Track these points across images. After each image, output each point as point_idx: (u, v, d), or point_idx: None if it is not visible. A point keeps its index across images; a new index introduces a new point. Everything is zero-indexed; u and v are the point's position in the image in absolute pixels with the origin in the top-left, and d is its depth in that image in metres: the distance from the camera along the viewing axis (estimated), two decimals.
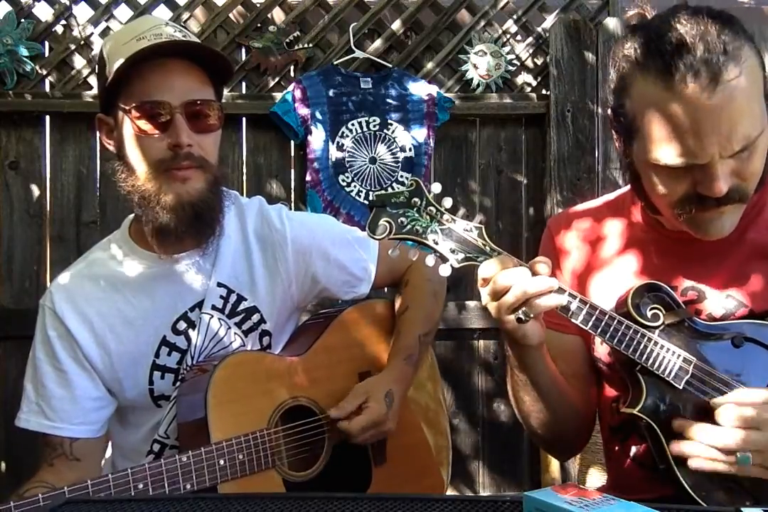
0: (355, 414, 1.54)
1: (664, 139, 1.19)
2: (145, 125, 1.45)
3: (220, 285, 1.59)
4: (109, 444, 1.67)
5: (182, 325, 1.57)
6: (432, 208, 1.16)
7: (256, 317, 1.62)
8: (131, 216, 1.63)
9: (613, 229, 1.45)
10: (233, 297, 1.60)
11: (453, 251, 1.17)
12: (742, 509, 0.96)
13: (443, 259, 1.18)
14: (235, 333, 1.60)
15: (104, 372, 1.55)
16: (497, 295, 1.18)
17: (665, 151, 1.20)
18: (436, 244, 1.17)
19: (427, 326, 1.73)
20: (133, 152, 1.48)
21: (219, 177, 1.53)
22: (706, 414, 1.20)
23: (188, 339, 1.57)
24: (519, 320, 1.17)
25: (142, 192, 1.48)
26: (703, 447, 1.16)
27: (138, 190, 1.48)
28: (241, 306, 1.60)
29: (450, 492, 2.44)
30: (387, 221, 1.15)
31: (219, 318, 1.58)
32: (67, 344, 1.54)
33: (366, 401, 1.56)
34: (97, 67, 1.54)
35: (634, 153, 1.27)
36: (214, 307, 1.58)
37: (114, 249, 1.61)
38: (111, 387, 1.57)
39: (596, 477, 1.74)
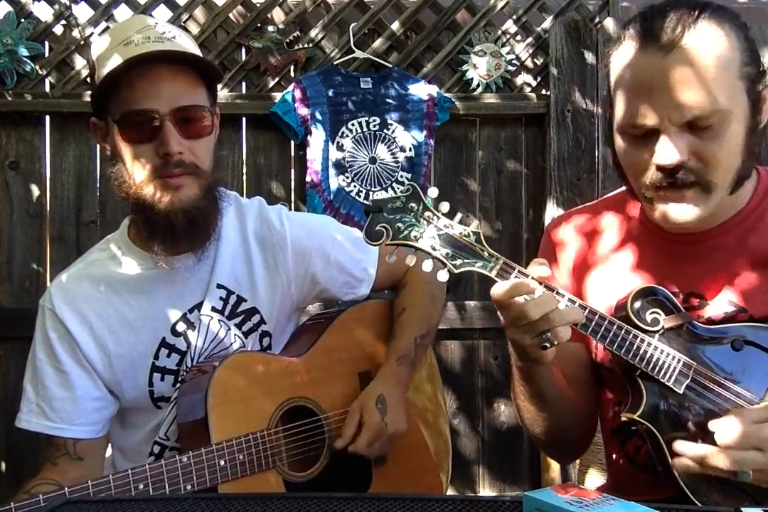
0: (357, 434, 1.54)
1: (625, 100, 1.23)
2: (134, 134, 1.44)
3: (219, 286, 1.59)
4: (109, 445, 1.67)
5: (181, 327, 1.57)
6: (429, 213, 1.15)
7: (256, 318, 1.62)
8: (129, 217, 1.62)
9: (611, 226, 1.45)
10: (233, 299, 1.60)
11: (450, 256, 1.16)
12: (742, 509, 0.96)
13: (441, 265, 1.16)
14: (235, 335, 1.60)
15: (104, 373, 1.55)
16: (520, 322, 1.16)
17: (626, 114, 1.23)
18: (434, 249, 1.15)
19: (424, 328, 1.73)
20: (126, 161, 1.47)
21: (213, 182, 1.52)
22: (706, 418, 1.20)
23: (187, 340, 1.57)
24: (543, 347, 1.17)
25: (136, 199, 1.47)
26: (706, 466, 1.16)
27: (132, 196, 1.48)
28: (241, 308, 1.61)
29: (450, 492, 2.44)
30: (384, 227, 1.13)
31: (219, 320, 1.58)
32: (68, 345, 1.54)
33: (361, 417, 1.56)
34: (89, 70, 1.54)
35: (613, 129, 1.29)
36: (213, 309, 1.58)
37: (113, 250, 1.61)
38: (111, 389, 1.57)
39: (596, 477, 1.74)
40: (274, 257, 1.63)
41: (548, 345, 1.17)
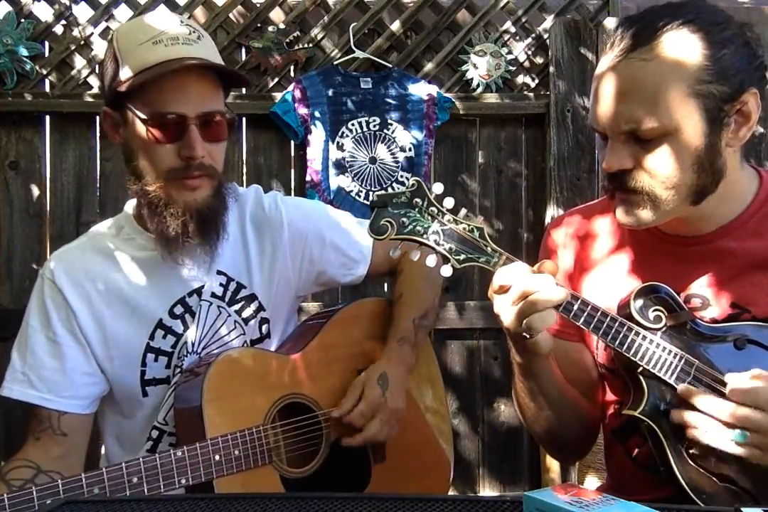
0: (354, 406, 1.55)
1: (590, 101, 1.28)
2: (159, 134, 1.45)
3: (219, 273, 1.60)
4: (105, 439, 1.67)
5: (179, 309, 1.58)
6: (433, 208, 1.16)
7: (254, 304, 1.63)
8: (134, 200, 1.62)
9: (611, 227, 1.45)
10: (233, 285, 1.61)
11: (454, 251, 1.17)
12: (742, 509, 0.96)
13: (444, 260, 1.18)
14: (235, 321, 1.61)
15: (97, 347, 1.55)
16: (517, 301, 1.17)
17: (589, 114, 1.29)
18: (438, 244, 1.17)
19: (422, 309, 1.73)
20: (144, 158, 1.49)
21: (223, 180, 1.55)
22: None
23: (185, 324, 1.57)
24: (531, 335, 1.18)
25: (150, 197, 1.49)
26: (704, 418, 1.16)
27: (146, 194, 1.49)
28: (241, 294, 1.62)
29: (450, 492, 2.44)
30: (388, 221, 1.15)
31: (218, 306, 1.59)
32: (64, 315, 1.54)
33: (362, 392, 1.57)
34: (106, 59, 1.52)
35: None
36: (213, 295, 1.59)
37: (117, 227, 1.63)
38: (102, 366, 1.56)
39: (596, 478, 1.74)
40: (271, 241, 1.65)
41: (528, 336, 1.18)
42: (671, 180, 1.22)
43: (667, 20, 1.20)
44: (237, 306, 1.61)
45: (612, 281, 1.40)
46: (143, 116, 1.46)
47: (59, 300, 1.54)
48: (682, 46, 1.19)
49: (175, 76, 1.44)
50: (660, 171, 1.22)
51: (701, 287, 1.32)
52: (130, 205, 1.64)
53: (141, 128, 1.46)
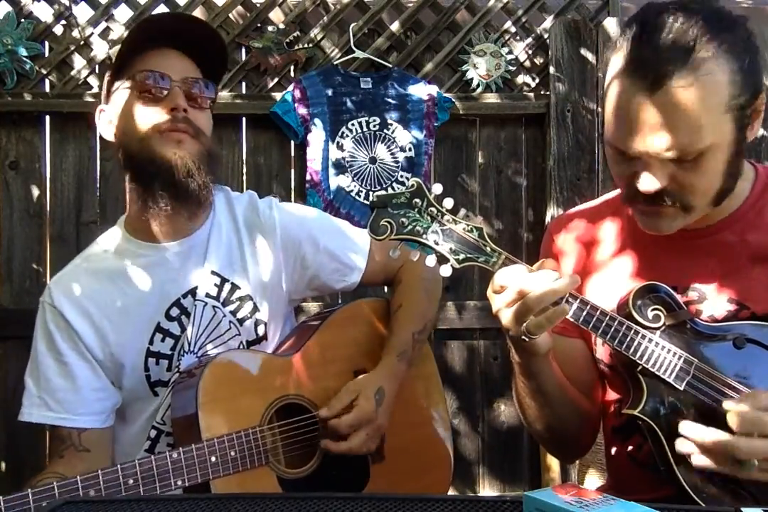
0: (345, 411, 1.54)
1: (614, 121, 1.23)
2: (145, 92, 1.52)
3: (213, 273, 1.61)
4: None
5: (175, 311, 1.59)
6: (433, 208, 1.17)
7: (249, 305, 1.63)
8: (125, 214, 1.66)
9: (612, 228, 1.45)
10: (227, 286, 1.62)
11: (453, 252, 1.18)
12: (742, 509, 0.96)
13: (444, 260, 1.18)
14: (230, 322, 1.61)
15: (105, 362, 1.57)
16: (515, 301, 1.17)
17: (613, 135, 1.23)
18: (437, 244, 1.18)
19: (421, 324, 1.73)
20: (130, 120, 1.53)
21: (212, 150, 1.58)
22: (708, 416, 1.20)
23: (181, 325, 1.59)
24: (523, 340, 1.19)
25: (135, 155, 1.52)
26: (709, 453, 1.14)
27: (132, 155, 1.52)
28: (236, 295, 1.62)
29: (450, 492, 2.44)
30: (388, 222, 1.16)
31: (213, 306, 1.60)
32: (68, 336, 1.56)
33: (356, 399, 1.56)
34: (101, 68, 1.64)
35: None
36: (208, 295, 1.60)
37: (109, 243, 1.65)
38: (114, 379, 1.59)
39: (596, 477, 1.74)
40: (264, 244, 1.66)
41: (526, 338, 1.19)
42: (703, 190, 1.23)
43: (691, 35, 1.15)
44: (232, 307, 1.62)
45: (614, 278, 1.40)
46: (130, 81, 1.53)
47: (61, 323, 1.56)
48: (714, 65, 1.16)
49: (158, 52, 1.54)
50: (697, 186, 1.22)
51: (698, 281, 1.33)
52: (121, 219, 1.67)
53: (129, 92, 1.53)
